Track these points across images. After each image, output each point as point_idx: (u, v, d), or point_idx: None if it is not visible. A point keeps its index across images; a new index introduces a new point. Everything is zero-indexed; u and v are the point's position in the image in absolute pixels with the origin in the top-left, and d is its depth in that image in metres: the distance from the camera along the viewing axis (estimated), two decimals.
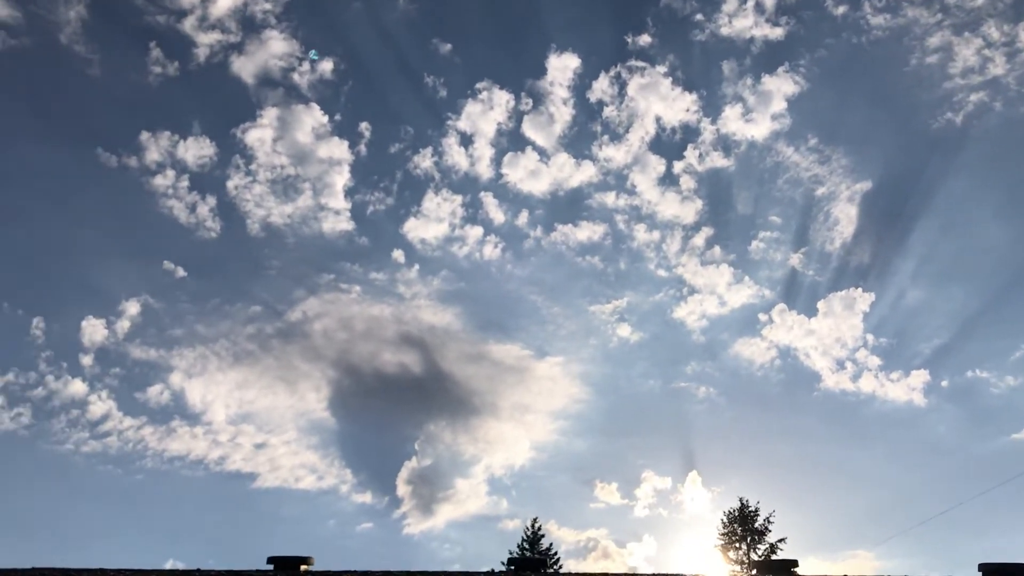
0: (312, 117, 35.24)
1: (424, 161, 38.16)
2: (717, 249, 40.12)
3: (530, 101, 39.11)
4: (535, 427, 41.29)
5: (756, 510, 31.84)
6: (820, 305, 42.76)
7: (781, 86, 38.56)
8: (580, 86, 39.19)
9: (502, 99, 38.71)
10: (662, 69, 39.36)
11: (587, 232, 40.64)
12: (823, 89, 37.74)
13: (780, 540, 31.50)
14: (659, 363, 43.76)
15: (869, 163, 42.03)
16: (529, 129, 39.69)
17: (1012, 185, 39.85)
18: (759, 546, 31.41)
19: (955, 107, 37.50)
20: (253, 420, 37.85)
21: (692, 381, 41.89)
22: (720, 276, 41.32)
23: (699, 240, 40.14)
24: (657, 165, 40.38)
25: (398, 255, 37.96)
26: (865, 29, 38.02)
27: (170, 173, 34.44)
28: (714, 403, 41.31)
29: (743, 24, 38.23)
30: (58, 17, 30.21)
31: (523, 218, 39.97)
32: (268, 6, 32.47)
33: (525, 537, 31.60)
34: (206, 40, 31.77)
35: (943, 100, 37.78)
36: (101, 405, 35.91)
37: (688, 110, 39.61)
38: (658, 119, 39.91)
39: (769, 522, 31.61)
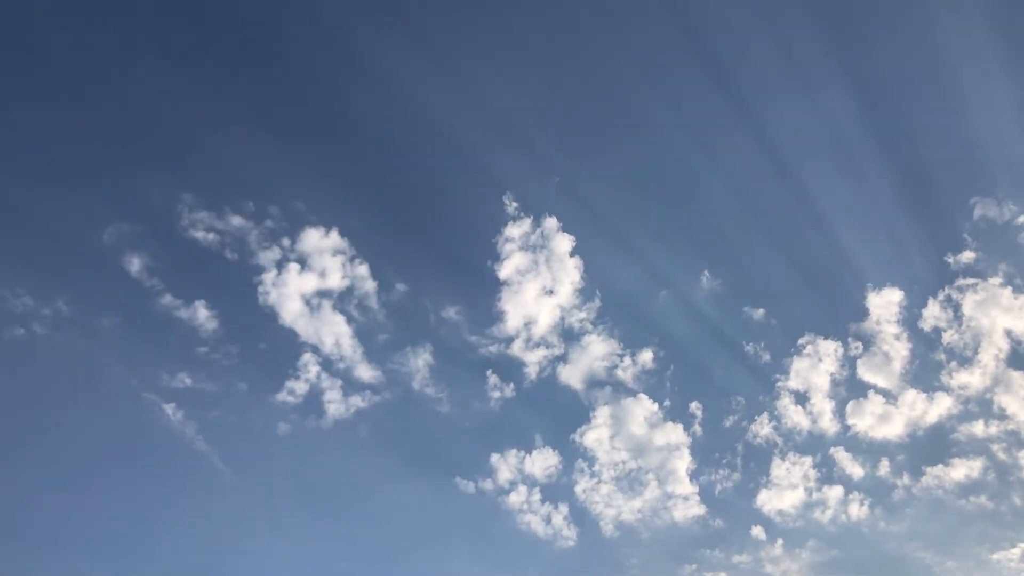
0: (642, 408, 35.98)
1: (763, 428, 37.15)
2: None
3: (859, 345, 37.18)
4: None
5: None
6: None
7: None
8: (909, 318, 36.69)
9: (829, 349, 37.19)
10: (996, 280, 36.06)
11: (963, 470, 37.02)
12: None
13: None
14: None
15: None
16: (866, 373, 37.53)
17: None
18: None
19: None
20: None
21: None
22: None
23: None
24: (1022, 381, 36.56)
25: (758, 532, 36.38)
26: None
27: (522, 489, 36.51)
28: None
29: None
30: (409, 368, 33.96)
31: (884, 468, 37.27)
32: (583, 315, 34.73)
33: None
34: (534, 358, 34.28)
35: None
36: None
37: None
38: (1008, 332, 36.31)
39: None
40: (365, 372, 34.42)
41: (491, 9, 34.90)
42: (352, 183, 34.29)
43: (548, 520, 36.65)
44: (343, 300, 34.33)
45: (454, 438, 37.08)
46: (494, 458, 36.97)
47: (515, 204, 34.31)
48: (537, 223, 34.52)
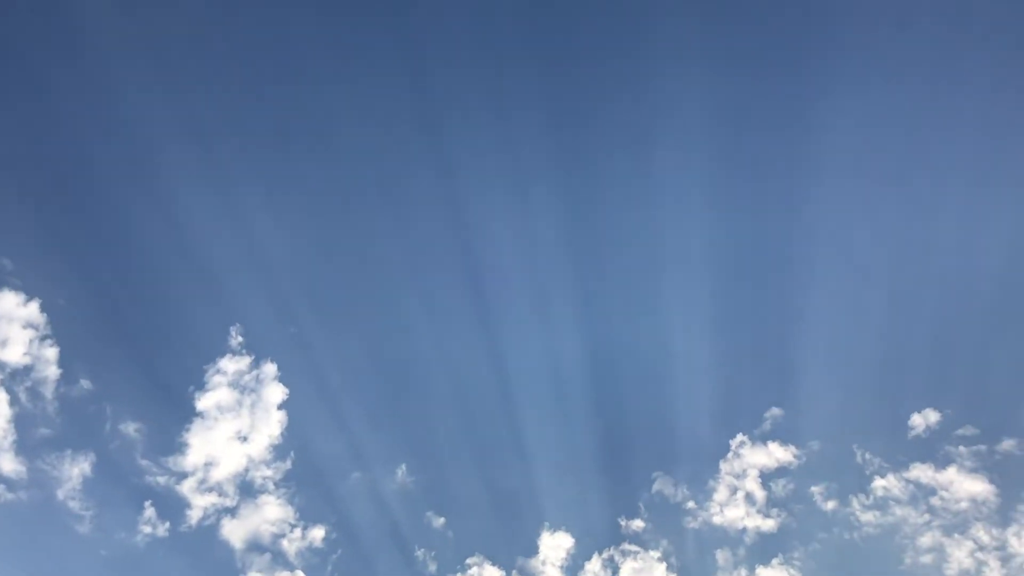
0: None
1: None
2: None
3: None
4: None
5: None
6: None
7: None
8: (573, 567, 38.53)
9: (493, 575, 38.08)
10: (655, 554, 38.84)
11: None
12: None
13: None
14: None
15: None
16: None
17: None
18: None
19: None
20: None
21: None
22: None
23: None
24: None
25: None
26: (856, 525, 38.35)
27: None
28: None
29: (735, 514, 38.30)
30: (61, 474, 31.54)
31: None
32: (270, 472, 33.76)
33: None
34: (202, 502, 32.68)
35: None
36: None
37: None
38: None
39: None
40: (7, 464, 30.74)
41: (290, 139, 35.08)
42: (74, 260, 32.04)
43: None
44: (15, 379, 31.03)
45: (80, 564, 33.36)
46: None
47: (240, 339, 33.26)
48: (256, 364, 33.53)
